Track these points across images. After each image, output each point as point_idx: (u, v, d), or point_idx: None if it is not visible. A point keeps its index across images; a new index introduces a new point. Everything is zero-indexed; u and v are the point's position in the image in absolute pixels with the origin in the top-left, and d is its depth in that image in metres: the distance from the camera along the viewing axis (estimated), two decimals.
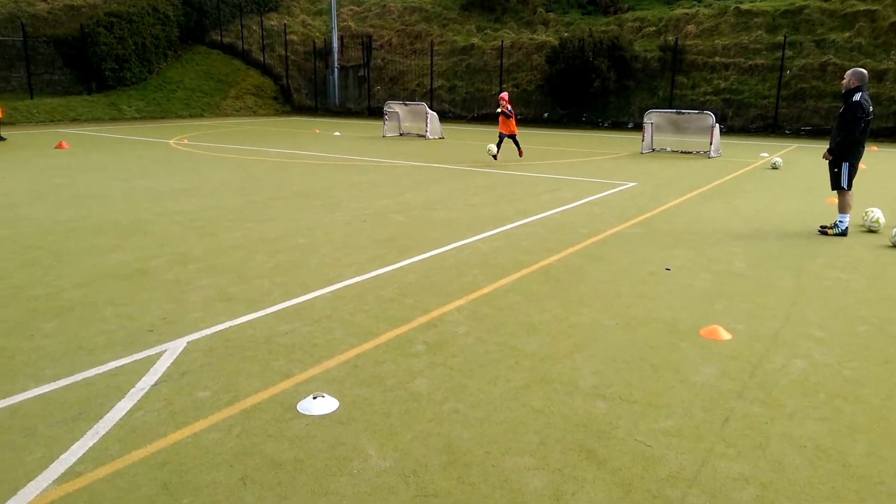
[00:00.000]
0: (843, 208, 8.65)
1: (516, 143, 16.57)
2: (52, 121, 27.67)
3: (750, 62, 26.66)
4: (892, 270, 7.01)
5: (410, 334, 5.11)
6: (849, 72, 8.55)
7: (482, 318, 5.47)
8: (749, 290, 6.31)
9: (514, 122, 16.41)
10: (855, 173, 8.66)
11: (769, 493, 3.13)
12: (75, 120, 28.40)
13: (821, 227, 8.87)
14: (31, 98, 28.87)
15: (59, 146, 18.47)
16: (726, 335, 5.10)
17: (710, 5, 31.05)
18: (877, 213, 8.90)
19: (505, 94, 16.34)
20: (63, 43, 31.03)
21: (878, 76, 24.09)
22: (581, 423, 3.77)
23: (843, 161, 8.59)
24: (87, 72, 31.40)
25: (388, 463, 3.36)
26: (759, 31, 27.84)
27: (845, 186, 8.61)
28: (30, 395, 4.03)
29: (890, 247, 8.02)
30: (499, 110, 16.15)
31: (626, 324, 5.37)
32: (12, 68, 29.44)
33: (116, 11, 32.39)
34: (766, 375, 4.42)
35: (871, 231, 8.89)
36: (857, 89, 8.34)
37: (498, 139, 16.30)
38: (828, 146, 8.76)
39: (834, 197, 11.50)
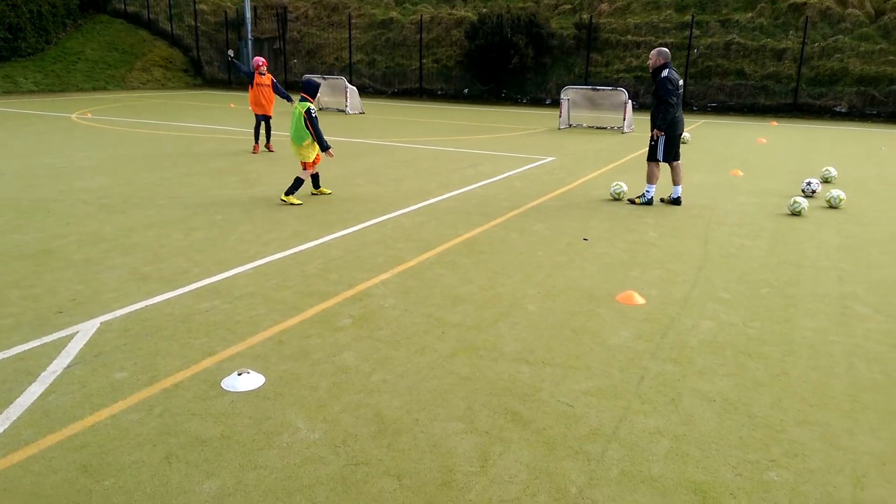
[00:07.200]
0: (650, 179, 9.07)
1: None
2: None
3: (660, 40, 27.52)
4: (791, 237, 7.49)
5: (336, 308, 5.09)
6: (653, 52, 8.94)
7: (408, 291, 5.50)
8: (661, 257, 6.61)
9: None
10: (673, 146, 9.00)
11: (682, 445, 3.33)
12: None
13: (629, 199, 9.27)
14: None
15: None
16: (640, 300, 5.33)
17: None
18: (623, 186, 9.36)
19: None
20: None
21: (777, 55, 25.39)
22: (506, 388, 3.88)
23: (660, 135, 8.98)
24: None
25: (318, 435, 3.36)
26: (669, 11, 28.76)
27: (660, 158, 9.01)
28: None
29: (788, 215, 8.56)
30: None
31: (546, 292, 5.53)
32: None
33: None
34: (677, 336, 4.67)
35: (615, 199, 9.34)
36: (664, 66, 8.78)
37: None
38: (651, 122, 9.05)
39: (738, 170, 12.13)
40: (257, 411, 3.58)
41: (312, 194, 9.15)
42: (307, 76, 9.11)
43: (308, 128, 8.48)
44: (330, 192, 9.34)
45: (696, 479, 3.06)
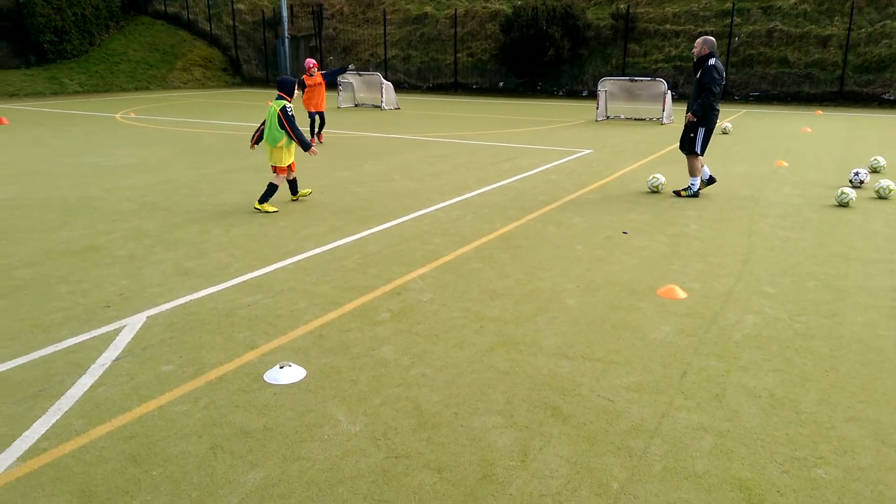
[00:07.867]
0: (693, 172, 8.89)
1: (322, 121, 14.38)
2: None
3: (700, 29, 26.98)
4: (837, 229, 7.28)
5: (375, 303, 5.12)
6: (699, 40, 8.72)
7: (446, 285, 5.50)
8: (703, 250, 6.49)
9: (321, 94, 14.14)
10: (709, 140, 8.82)
11: (726, 441, 3.27)
12: (14, 95, 27.19)
13: (674, 190, 9.11)
14: None
15: None
16: (682, 294, 5.25)
17: None
18: (660, 179, 9.21)
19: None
20: None
21: (822, 42, 24.67)
22: (546, 382, 3.86)
23: (699, 126, 8.74)
24: (25, 44, 30.01)
25: (359, 427, 3.39)
26: None
27: (698, 152, 8.80)
28: None
29: (835, 206, 8.32)
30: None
31: (585, 286, 5.48)
32: None
33: None
34: (720, 331, 4.58)
35: (653, 192, 9.17)
36: (710, 55, 8.55)
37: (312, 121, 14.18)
38: (687, 110, 8.84)
39: (783, 160, 11.83)
40: (299, 404, 3.62)
41: (292, 200, 8.59)
42: (282, 76, 9.15)
43: (285, 127, 7.87)
44: (310, 191, 8.88)
45: (741, 475, 3.00)
